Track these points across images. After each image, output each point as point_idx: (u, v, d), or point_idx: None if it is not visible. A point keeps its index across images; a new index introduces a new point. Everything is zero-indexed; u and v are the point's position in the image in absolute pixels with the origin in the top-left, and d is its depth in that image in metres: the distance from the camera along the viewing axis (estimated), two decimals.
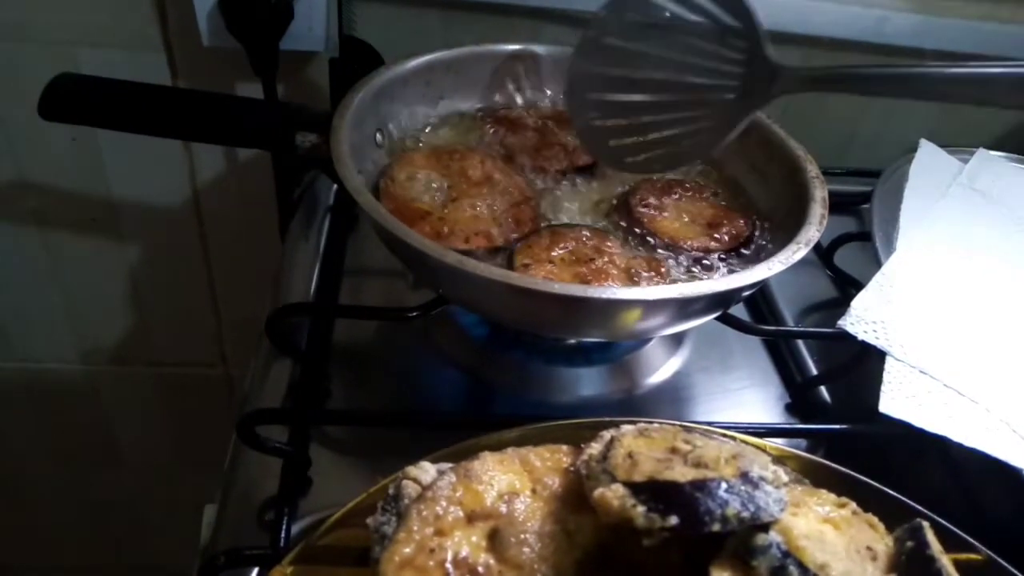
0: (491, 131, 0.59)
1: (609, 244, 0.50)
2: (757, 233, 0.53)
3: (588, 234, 0.50)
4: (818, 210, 0.48)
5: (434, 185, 0.52)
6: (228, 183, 0.80)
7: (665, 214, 0.53)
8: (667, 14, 0.49)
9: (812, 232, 0.47)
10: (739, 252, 0.52)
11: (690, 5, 0.48)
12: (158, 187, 0.80)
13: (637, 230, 0.52)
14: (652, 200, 0.54)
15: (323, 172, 0.64)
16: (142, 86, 0.54)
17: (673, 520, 0.27)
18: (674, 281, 0.49)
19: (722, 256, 0.51)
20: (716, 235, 0.52)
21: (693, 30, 0.48)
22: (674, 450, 0.31)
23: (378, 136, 0.55)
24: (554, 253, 0.48)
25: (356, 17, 0.70)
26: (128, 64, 0.70)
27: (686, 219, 0.54)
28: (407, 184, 0.52)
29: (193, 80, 0.73)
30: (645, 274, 0.48)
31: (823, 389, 0.54)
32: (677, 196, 0.55)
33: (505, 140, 0.58)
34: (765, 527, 0.28)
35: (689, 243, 0.51)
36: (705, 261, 0.51)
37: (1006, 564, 0.36)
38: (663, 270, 0.49)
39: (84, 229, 0.83)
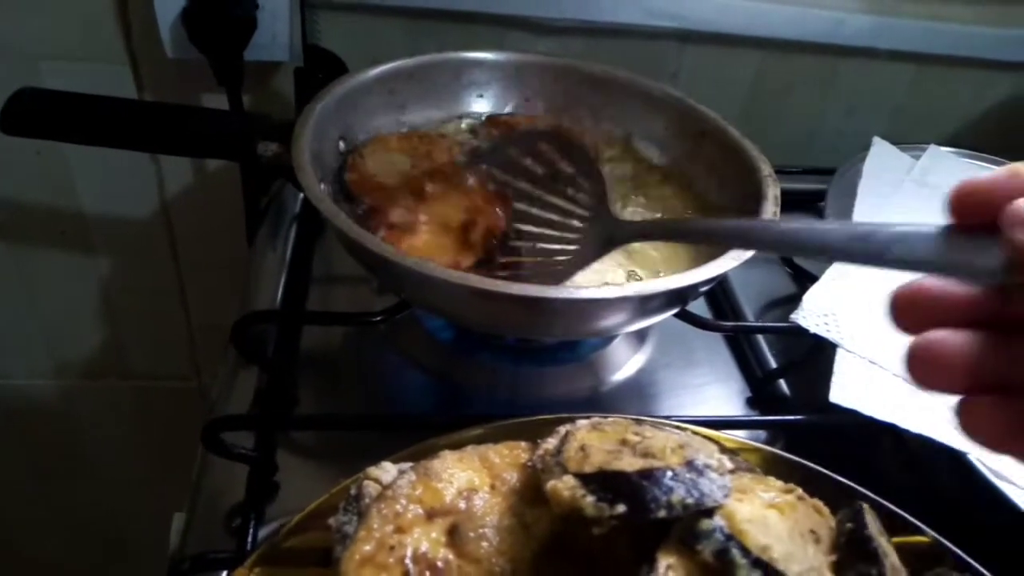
0: (484, 130, 0.61)
1: None
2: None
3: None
4: (770, 208, 0.50)
5: (397, 165, 0.55)
6: (197, 193, 0.80)
7: (414, 233, 0.49)
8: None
9: None
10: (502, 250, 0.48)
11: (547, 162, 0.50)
12: (126, 199, 0.80)
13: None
14: (401, 212, 0.50)
15: (287, 180, 0.64)
16: (103, 99, 0.54)
17: (621, 508, 0.28)
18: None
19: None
20: (467, 242, 0.49)
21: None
22: (624, 442, 0.32)
23: (341, 144, 0.56)
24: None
25: (320, 26, 0.70)
26: (93, 77, 0.70)
27: (432, 231, 0.49)
28: (372, 160, 0.54)
29: (159, 92, 0.73)
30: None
31: (782, 382, 0.55)
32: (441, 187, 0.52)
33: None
34: (709, 512, 0.29)
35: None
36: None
37: (951, 545, 0.37)
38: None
39: (53, 243, 0.83)
